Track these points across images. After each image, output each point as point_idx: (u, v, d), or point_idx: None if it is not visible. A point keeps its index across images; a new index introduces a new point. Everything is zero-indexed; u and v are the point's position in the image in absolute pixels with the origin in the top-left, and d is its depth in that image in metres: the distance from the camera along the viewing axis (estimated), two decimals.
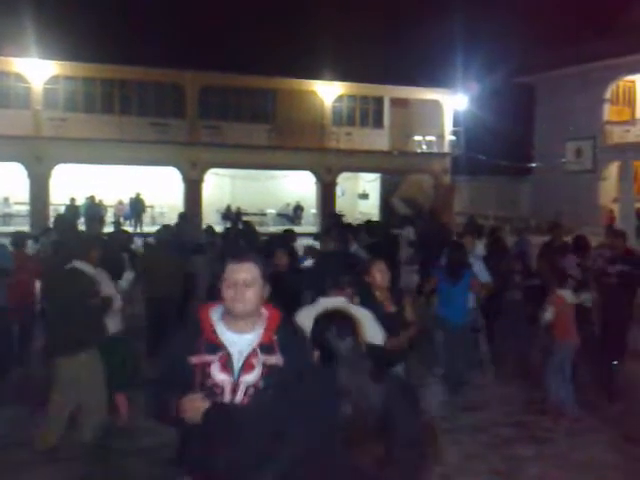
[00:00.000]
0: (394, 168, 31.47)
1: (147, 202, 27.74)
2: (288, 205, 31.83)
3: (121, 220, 23.84)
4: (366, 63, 28.89)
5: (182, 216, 12.43)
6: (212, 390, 2.83)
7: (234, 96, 29.83)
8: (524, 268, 8.94)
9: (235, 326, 2.90)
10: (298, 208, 31.39)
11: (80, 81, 28.02)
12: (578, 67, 31.28)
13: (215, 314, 2.94)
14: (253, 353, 2.88)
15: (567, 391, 6.97)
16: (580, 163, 31.99)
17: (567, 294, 7.05)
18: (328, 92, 30.40)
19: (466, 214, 27.41)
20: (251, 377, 2.85)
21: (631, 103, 32.73)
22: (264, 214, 30.71)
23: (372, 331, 4.59)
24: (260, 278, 2.92)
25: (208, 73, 27.83)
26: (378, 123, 32.57)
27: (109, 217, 25.15)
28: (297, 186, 31.99)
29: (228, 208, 29.07)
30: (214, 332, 2.88)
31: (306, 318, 4.37)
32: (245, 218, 24.84)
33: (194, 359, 2.84)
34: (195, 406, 2.75)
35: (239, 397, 2.85)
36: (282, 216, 30.93)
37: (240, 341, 2.89)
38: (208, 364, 2.84)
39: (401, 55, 30.30)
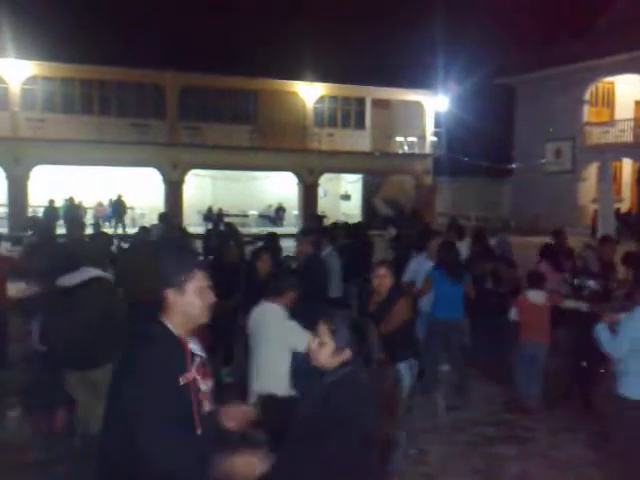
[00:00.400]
0: (376, 169, 31.53)
1: (127, 203, 27.54)
2: (270, 206, 31.76)
3: (101, 222, 23.68)
4: (347, 64, 28.92)
5: (162, 217, 12.25)
6: (202, 405, 2.70)
7: (215, 97, 29.73)
8: (496, 274, 8.92)
9: (185, 335, 2.73)
10: (280, 209, 31.34)
11: (58, 82, 27.77)
12: (558, 69, 31.53)
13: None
14: (204, 358, 2.81)
15: (535, 387, 7.11)
16: (560, 164, 32.24)
17: (533, 295, 7.17)
18: (310, 93, 30.40)
19: (448, 215, 27.54)
20: (210, 382, 2.79)
21: (610, 104, 33.01)
22: (246, 215, 30.63)
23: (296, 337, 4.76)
24: None
25: (188, 74, 27.71)
26: (360, 124, 32.62)
27: (88, 219, 25.01)
28: (279, 187, 31.94)
29: (209, 209, 28.95)
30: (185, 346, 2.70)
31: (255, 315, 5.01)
32: (227, 219, 24.78)
33: (185, 378, 2.63)
34: (250, 468, 2.58)
35: (212, 405, 2.78)
36: (264, 217, 30.87)
37: (194, 348, 2.75)
38: (195, 379, 2.68)
39: (382, 56, 30.39)
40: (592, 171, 30.54)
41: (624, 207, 29.45)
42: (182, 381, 2.60)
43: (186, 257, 2.94)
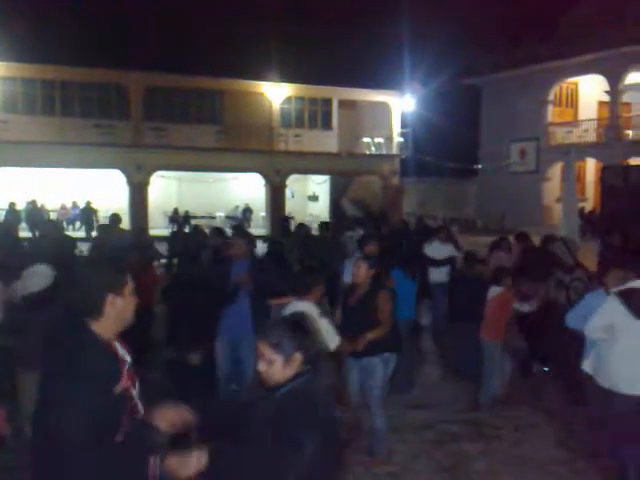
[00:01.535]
0: (343, 170, 31.49)
1: (92, 206, 27.04)
2: (237, 207, 31.55)
3: (64, 225, 23.29)
4: (314, 65, 28.87)
5: (113, 219, 11.79)
6: (135, 411, 2.67)
7: (180, 97, 29.40)
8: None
9: (112, 339, 2.72)
10: (247, 210, 31.13)
11: (19, 82, 27.18)
12: (522, 69, 31.89)
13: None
14: (130, 363, 2.75)
15: (488, 384, 7.21)
16: (524, 164, 32.61)
17: (490, 291, 7.22)
18: (276, 93, 30.27)
19: (415, 215, 27.67)
20: (137, 385, 2.75)
21: (574, 105, 33.48)
22: (213, 217, 30.38)
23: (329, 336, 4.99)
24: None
25: (153, 74, 27.35)
26: (327, 125, 32.56)
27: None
28: (246, 188, 31.75)
29: (175, 211, 28.66)
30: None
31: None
32: (193, 221, 24.56)
33: (119, 386, 2.60)
34: (191, 464, 2.53)
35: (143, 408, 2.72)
36: (231, 219, 30.61)
37: (122, 353, 2.73)
38: (128, 387, 2.66)
39: (349, 57, 30.36)
40: (556, 171, 30.94)
41: (588, 206, 29.86)
42: (117, 390, 2.57)
43: (119, 262, 2.96)
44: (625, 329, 4.97)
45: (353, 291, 5.92)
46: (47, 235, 9.70)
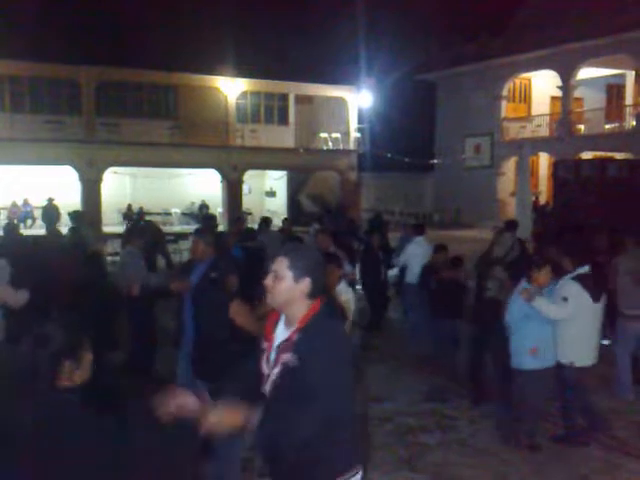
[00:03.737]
0: (300, 165, 31.41)
1: (42, 203, 26.36)
2: (193, 204, 31.20)
3: (15, 222, 22.69)
4: (270, 59, 28.70)
5: (75, 216, 11.48)
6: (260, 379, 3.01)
7: (133, 92, 28.94)
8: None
9: (285, 320, 2.99)
10: (203, 207, 30.77)
11: None
12: (476, 65, 32.21)
13: None
14: (280, 349, 2.94)
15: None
16: (479, 159, 32.96)
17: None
18: (231, 88, 30.01)
19: (373, 210, 27.80)
20: (275, 372, 2.94)
21: (527, 100, 33.95)
22: (168, 213, 29.99)
23: None
24: (290, 272, 2.88)
25: (105, 68, 26.81)
26: (283, 120, 32.46)
27: (2, 219, 24.00)
28: (202, 184, 31.40)
29: (129, 207, 28.16)
30: (274, 324, 3.03)
31: None
32: (149, 218, 24.16)
33: (263, 342, 3.06)
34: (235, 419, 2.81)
35: (267, 389, 2.98)
36: (187, 215, 30.27)
37: (281, 335, 2.97)
38: (263, 354, 3.04)
39: (305, 52, 30.19)
40: (510, 165, 31.37)
41: (541, 200, 30.33)
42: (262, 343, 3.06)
43: None
44: (583, 310, 5.64)
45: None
46: None
